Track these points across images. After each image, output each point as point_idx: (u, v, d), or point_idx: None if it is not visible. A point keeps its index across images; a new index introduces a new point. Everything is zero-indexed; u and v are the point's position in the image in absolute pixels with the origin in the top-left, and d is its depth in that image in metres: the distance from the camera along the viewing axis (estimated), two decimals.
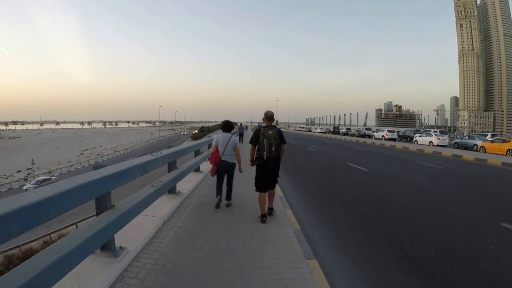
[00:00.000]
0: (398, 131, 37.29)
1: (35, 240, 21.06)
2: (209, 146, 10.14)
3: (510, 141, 19.58)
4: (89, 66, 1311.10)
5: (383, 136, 34.97)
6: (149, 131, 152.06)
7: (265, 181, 4.74)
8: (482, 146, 21.34)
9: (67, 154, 74.00)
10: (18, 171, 52.84)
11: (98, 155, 68.29)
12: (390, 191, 8.11)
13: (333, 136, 46.72)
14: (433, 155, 19.61)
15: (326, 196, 7.29)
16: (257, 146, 4.73)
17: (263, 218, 4.70)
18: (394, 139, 33.62)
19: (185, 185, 6.43)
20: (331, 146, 25.55)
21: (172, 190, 5.52)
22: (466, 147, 23.28)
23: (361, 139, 36.03)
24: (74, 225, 22.55)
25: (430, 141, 26.31)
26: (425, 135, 28.44)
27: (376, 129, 42.89)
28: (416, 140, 28.85)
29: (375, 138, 36.64)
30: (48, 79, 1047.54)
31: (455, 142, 25.50)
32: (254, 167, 4.86)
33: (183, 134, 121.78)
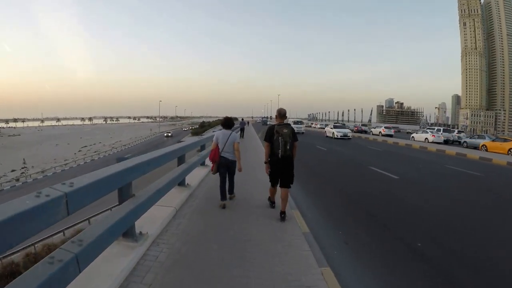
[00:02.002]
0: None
1: (17, 251, 18.87)
2: (202, 147, 8.20)
3: (511, 140, 20.13)
4: (89, 61, 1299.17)
5: (380, 132, 35.95)
6: (150, 126, 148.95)
7: (278, 177, 4.74)
8: (483, 145, 21.81)
9: (65, 151, 72.13)
10: (13, 170, 50.99)
11: (95, 152, 66.19)
12: (440, 208, 5.90)
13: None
14: (456, 156, 17.72)
15: (364, 226, 5.04)
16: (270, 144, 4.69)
17: (272, 204, 5.10)
18: (391, 135, 34.33)
19: (156, 215, 4.21)
20: (341, 145, 23.39)
21: (128, 233, 3.30)
22: (475, 147, 23.20)
23: (361, 135, 36.78)
24: (61, 233, 20.49)
25: (426, 138, 27.29)
26: (421, 132, 29.72)
27: (375, 126, 44.98)
28: (413, 137, 29.72)
29: (373, 134, 37.01)
30: (49, 75, 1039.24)
31: (464, 142, 25.80)
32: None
33: (167, 136, 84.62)
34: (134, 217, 3.22)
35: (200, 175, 7.42)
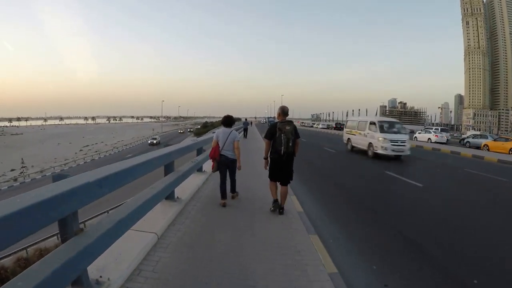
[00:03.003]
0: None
1: (8, 255, 17.73)
2: (199, 151, 7.46)
3: None
4: (93, 61, 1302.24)
5: None
6: (153, 126, 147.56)
7: (279, 174, 4.81)
8: (485, 145, 21.82)
9: (67, 150, 71.46)
10: (12, 170, 50.27)
11: (96, 151, 65.35)
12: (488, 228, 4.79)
13: (337, 132, 45.53)
14: (472, 159, 16.52)
15: (403, 258, 3.95)
16: (272, 141, 4.74)
17: (276, 202, 4.90)
18: None
19: (127, 247, 3.14)
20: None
21: (79, 282, 2.23)
22: (478, 147, 23.29)
23: None
24: (55, 237, 19.46)
25: (429, 138, 27.34)
26: (424, 132, 29.66)
27: None
28: (415, 137, 29.46)
29: None
30: (52, 75, 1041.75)
31: (467, 142, 26.05)
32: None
33: (152, 144, 62.72)
34: (82, 262, 2.15)
35: (196, 183, 6.37)
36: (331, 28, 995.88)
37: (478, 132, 39.73)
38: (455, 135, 35.43)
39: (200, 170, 7.46)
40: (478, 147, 23.04)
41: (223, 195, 5.26)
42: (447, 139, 27.97)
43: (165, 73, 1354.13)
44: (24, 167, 52.14)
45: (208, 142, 7.79)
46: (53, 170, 45.87)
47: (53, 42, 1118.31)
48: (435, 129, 30.91)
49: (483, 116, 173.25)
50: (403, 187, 8.23)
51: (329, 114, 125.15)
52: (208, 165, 7.93)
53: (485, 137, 25.11)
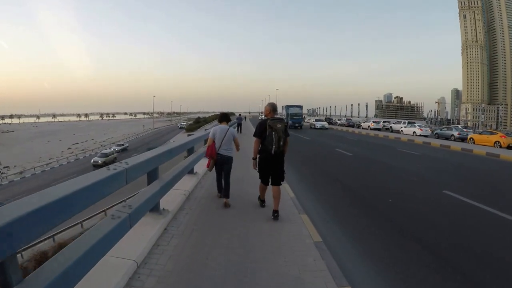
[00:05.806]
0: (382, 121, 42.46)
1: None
2: (152, 176, 4.86)
3: (497, 133, 21.46)
4: (86, 58, 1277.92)
5: (368, 126, 38.79)
6: (145, 122, 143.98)
7: (270, 175, 4.62)
8: (471, 138, 22.65)
9: (56, 148, 69.35)
10: None
11: (82, 150, 62.48)
12: None
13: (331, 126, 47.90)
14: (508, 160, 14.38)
15: None
16: (261, 140, 4.56)
17: (263, 203, 4.94)
18: (379, 129, 36.95)
19: None
20: (358, 144, 20.36)
21: None
22: (447, 138, 25.68)
23: (352, 129, 39.95)
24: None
25: (414, 131, 28.86)
26: (409, 126, 31.04)
27: (363, 120, 48.99)
28: (401, 130, 31.41)
29: (362, 128, 39.75)
30: (46, 72, 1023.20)
31: (436, 133, 28.06)
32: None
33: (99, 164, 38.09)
34: None
35: (145, 240, 3.35)
36: (328, 24, 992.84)
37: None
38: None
39: (155, 209, 4.14)
40: (447, 138, 25.51)
41: (219, 189, 5.43)
42: (431, 132, 30.30)
43: (158, 68, 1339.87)
44: (6, 167, 49.13)
45: (165, 157, 4.36)
46: (33, 171, 43.40)
47: (47, 40, 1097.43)
48: (403, 122, 34.12)
49: (487, 111, 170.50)
50: (497, 228, 5.08)
51: (325, 109, 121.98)
52: (171, 199, 5.02)
53: (450, 129, 27.37)
